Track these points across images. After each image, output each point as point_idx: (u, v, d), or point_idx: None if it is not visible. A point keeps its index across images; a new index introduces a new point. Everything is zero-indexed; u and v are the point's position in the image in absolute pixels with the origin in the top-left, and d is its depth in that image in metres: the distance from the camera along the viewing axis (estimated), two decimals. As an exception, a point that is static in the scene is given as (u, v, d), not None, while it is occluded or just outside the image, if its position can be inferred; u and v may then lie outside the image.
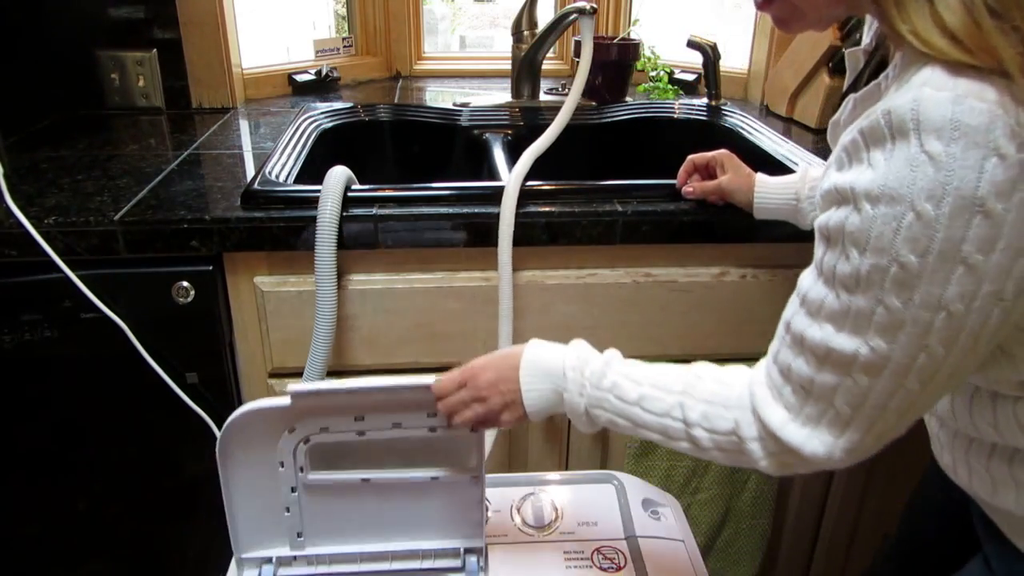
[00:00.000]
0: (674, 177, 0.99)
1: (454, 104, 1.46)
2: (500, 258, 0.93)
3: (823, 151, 1.19)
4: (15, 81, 1.28)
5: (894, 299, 0.49)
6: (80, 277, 0.89)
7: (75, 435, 0.99)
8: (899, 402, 0.52)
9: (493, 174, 1.16)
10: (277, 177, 1.00)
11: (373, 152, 1.43)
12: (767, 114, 1.48)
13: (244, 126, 1.34)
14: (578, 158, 1.41)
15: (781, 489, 1.15)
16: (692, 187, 0.96)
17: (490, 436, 0.97)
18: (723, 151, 0.96)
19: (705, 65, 1.44)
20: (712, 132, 1.43)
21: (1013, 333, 0.54)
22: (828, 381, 0.54)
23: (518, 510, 0.81)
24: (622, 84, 1.53)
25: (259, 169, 1.02)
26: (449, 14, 3.99)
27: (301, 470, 0.71)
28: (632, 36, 1.56)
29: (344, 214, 0.90)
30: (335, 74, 1.62)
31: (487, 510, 0.80)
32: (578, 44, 1.18)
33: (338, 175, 0.92)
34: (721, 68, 1.45)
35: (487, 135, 1.35)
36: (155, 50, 1.38)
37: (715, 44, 1.41)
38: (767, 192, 0.91)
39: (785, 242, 0.95)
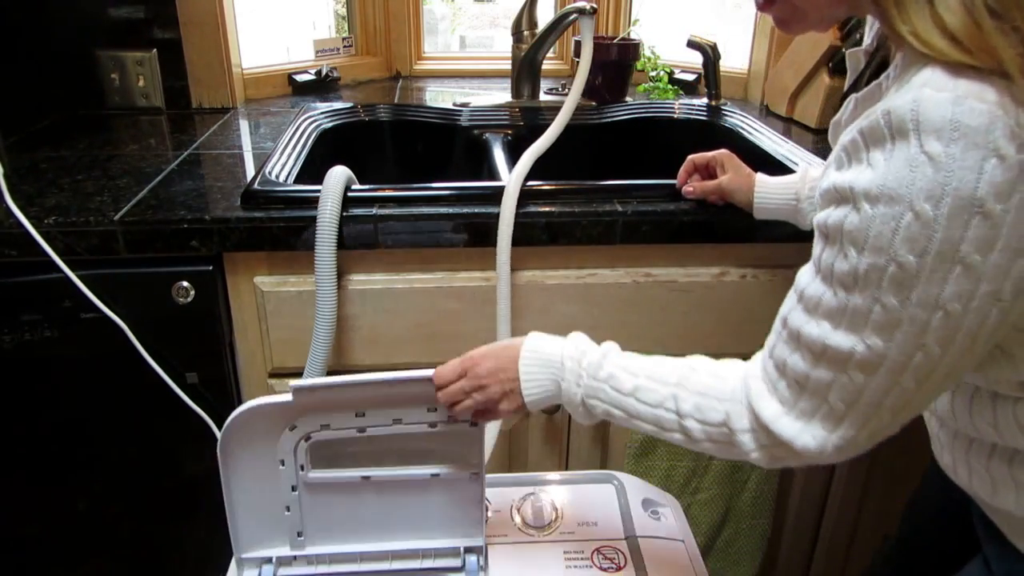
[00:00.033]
0: (674, 177, 0.99)
1: (454, 104, 1.46)
2: (499, 258, 0.93)
3: (823, 151, 1.19)
4: (15, 81, 1.28)
5: (891, 298, 0.49)
6: (80, 277, 0.89)
7: (75, 435, 0.99)
8: (894, 400, 0.53)
9: (493, 174, 1.16)
10: (277, 177, 1.00)
11: (373, 152, 1.43)
12: (767, 114, 1.48)
13: (244, 126, 1.34)
14: (578, 158, 1.41)
15: (781, 489, 1.15)
16: (692, 187, 0.96)
17: (491, 435, 0.97)
18: (723, 151, 0.96)
19: (705, 65, 1.44)
20: (712, 132, 1.43)
21: (1012, 334, 0.54)
22: (823, 377, 0.54)
23: (518, 510, 0.81)
24: (622, 84, 1.53)
25: (259, 169, 1.02)
26: (449, 14, 3.99)
27: (302, 468, 0.71)
28: (632, 36, 1.56)
29: (344, 214, 0.91)
30: (335, 74, 1.62)
31: (487, 510, 0.80)
32: (578, 44, 1.18)
33: (338, 175, 0.92)
34: (721, 68, 1.45)
35: (487, 135, 1.35)
36: (155, 50, 1.38)
37: (715, 44, 1.41)
38: (767, 192, 0.91)
39: (785, 242, 0.95)
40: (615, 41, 1.52)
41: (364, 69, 1.72)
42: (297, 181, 1.03)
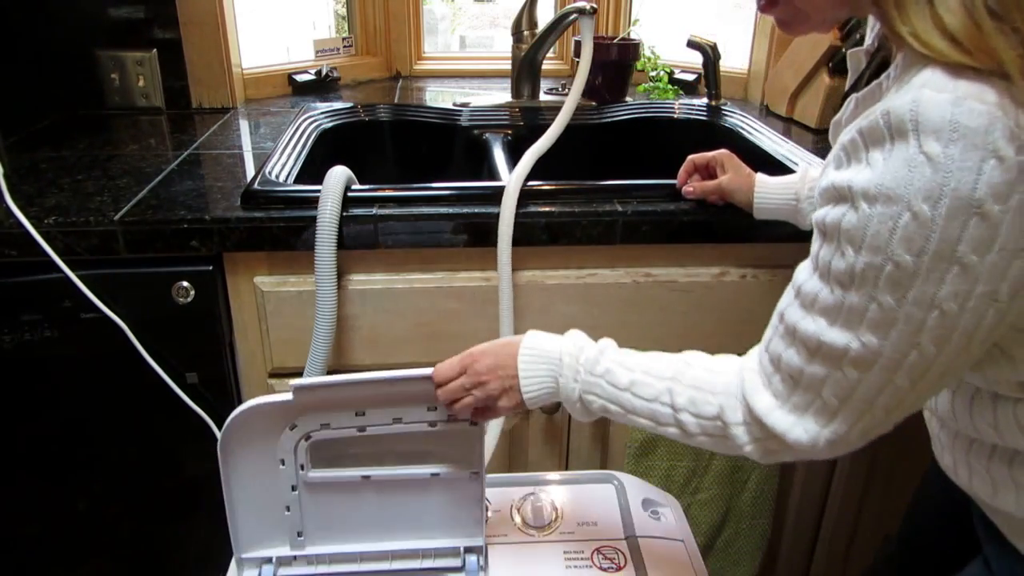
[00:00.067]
0: (674, 177, 0.99)
1: (454, 104, 1.46)
2: (500, 258, 0.93)
3: (823, 151, 1.19)
4: (15, 81, 1.28)
5: (888, 297, 0.49)
6: (80, 277, 0.89)
7: (75, 435, 0.99)
8: (887, 398, 0.53)
9: (493, 174, 1.16)
10: (277, 177, 1.00)
11: (373, 152, 1.43)
12: (767, 114, 1.48)
13: (244, 126, 1.34)
14: (578, 158, 1.41)
15: (781, 489, 1.15)
16: (692, 187, 0.96)
17: (493, 436, 0.97)
18: (723, 151, 0.96)
19: (705, 65, 1.44)
20: (712, 132, 1.43)
21: (1011, 334, 0.54)
22: (817, 373, 0.54)
23: (518, 510, 0.81)
24: (622, 84, 1.53)
25: (259, 169, 1.02)
26: (449, 14, 3.99)
27: (302, 468, 0.71)
28: (632, 36, 1.56)
29: (344, 214, 0.91)
30: (335, 74, 1.62)
31: (487, 510, 0.80)
32: (578, 44, 1.18)
33: (338, 175, 0.92)
34: (721, 68, 1.45)
35: (487, 135, 1.35)
36: (155, 50, 1.38)
37: (715, 44, 1.41)
38: (767, 192, 0.91)
39: (785, 242, 0.95)
40: (615, 41, 1.52)
41: (364, 69, 1.72)
42: (297, 181, 1.03)
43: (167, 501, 1.05)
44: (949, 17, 0.47)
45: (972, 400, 0.63)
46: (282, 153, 1.11)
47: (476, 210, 0.94)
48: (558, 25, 1.33)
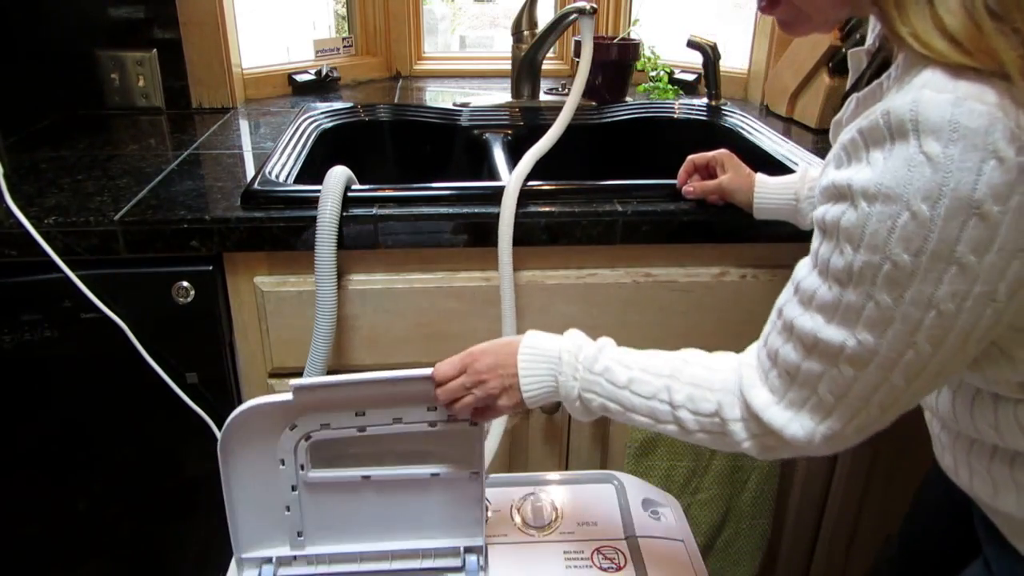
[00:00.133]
0: (674, 177, 0.99)
1: (454, 104, 1.46)
2: (501, 258, 0.93)
3: (823, 151, 1.19)
4: (15, 81, 1.28)
5: (885, 296, 0.49)
6: (80, 277, 0.89)
7: (75, 435, 0.99)
8: (883, 396, 0.53)
9: (493, 174, 1.16)
10: (277, 177, 1.00)
11: (373, 152, 1.43)
12: (767, 114, 1.48)
13: (244, 126, 1.34)
14: (578, 158, 1.41)
15: (781, 489, 1.15)
16: (692, 187, 0.97)
17: (494, 436, 0.97)
18: (723, 151, 0.96)
19: (705, 65, 1.44)
20: (712, 132, 1.43)
21: (1011, 334, 0.54)
22: (814, 369, 0.55)
23: (518, 510, 0.81)
24: (622, 84, 1.53)
25: (259, 169, 1.02)
26: (449, 14, 3.99)
27: (302, 468, 0.71)
28: (632, 36, 1.56)
29: (344, 214, 0.91)
30: (335, 74, 1.62)
31: (487, 510, 0.80)
32: (578, 44, 1.18)
33: (338, 175, 0.92)
34: (721, 68, 1.45)
35: (487, 135, 1.35)
36: (155, 50, 1.38)
37: (715, 44, 1.41)
38: (767, 192, 0.91)
39: (785, 242, 0.95)
40: (615, 41, 1.52)
41: (364, 69, 1.72)
42: (297, 181, 1.03)
43: (167, 501, 1.05)
44: (949, 18, 0.47)
45: (973, 401, 0.63)
46: (282, 153, 1.11)
47: (476, 210, 0.94)
48: (558, 25, 1.33)
